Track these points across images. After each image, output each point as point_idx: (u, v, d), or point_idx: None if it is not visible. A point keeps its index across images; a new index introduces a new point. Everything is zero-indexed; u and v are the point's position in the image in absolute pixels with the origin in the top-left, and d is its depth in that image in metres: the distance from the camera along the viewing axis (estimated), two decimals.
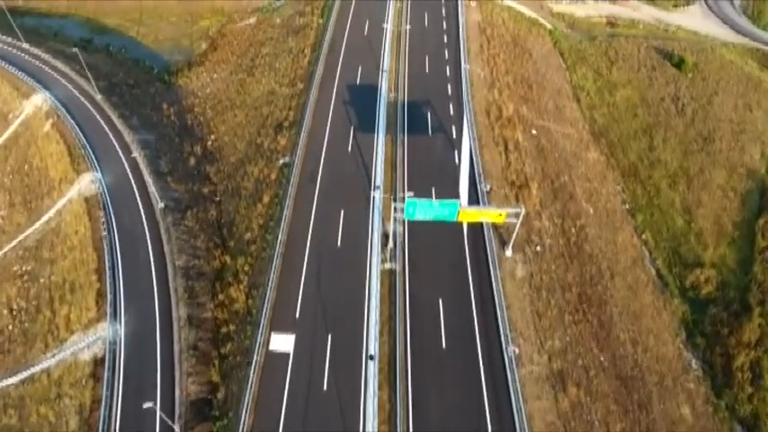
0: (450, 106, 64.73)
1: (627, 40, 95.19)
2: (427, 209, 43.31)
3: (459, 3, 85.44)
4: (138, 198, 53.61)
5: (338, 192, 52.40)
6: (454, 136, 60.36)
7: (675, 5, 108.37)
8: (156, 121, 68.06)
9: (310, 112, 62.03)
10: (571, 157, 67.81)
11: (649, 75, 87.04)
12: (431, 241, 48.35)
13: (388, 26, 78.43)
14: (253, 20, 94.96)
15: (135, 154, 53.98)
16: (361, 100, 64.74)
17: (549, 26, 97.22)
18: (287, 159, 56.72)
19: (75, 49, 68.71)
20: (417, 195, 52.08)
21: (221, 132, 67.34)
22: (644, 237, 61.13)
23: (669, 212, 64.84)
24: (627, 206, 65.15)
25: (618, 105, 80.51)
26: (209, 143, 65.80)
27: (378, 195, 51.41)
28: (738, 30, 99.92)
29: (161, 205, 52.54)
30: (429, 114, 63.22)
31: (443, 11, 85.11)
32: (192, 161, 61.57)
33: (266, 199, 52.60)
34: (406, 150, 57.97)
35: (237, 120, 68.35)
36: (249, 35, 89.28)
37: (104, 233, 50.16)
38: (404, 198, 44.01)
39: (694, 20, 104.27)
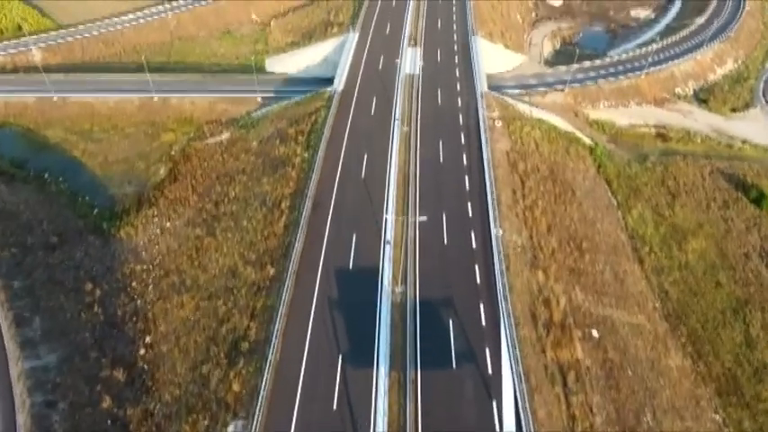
0: (481, 308, 45.72)
1: (685, 162, 77.24)
2: None
3: (483, 128, 67.65)
4: None
5: None
6: (489, 368, 41.18)
7: (733, 110, 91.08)
8: (69, 318, 49.12)
9: (281, 329, 42.94)
10: (648, 371, 48.41)
11: (723, 215, 68.56)
12: None
13: (393, 165, 60.57)
14: (225, 135, 77.45)
15: None
16: (355, 301, 45.84)
17: (588, 141, 79.59)
18: (238, 426, 37.36)
19: None
20: None
21: (160, 335, 48.35)
22: None
23: None
24: None
25: (692, 267, 61.54)
26: (141, 354, 46.83)
27: None
28: None
29: None
30: (451, 326, 44.13)
31: (462, 138, 67.23)
32: (107, 401, 42.29)
33: None
34: (420, 403, 38.50)
35: (184, 314, 49.41)
36: (217, 161, 71.37)
37: None
38: None
39: (759, 129, 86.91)
